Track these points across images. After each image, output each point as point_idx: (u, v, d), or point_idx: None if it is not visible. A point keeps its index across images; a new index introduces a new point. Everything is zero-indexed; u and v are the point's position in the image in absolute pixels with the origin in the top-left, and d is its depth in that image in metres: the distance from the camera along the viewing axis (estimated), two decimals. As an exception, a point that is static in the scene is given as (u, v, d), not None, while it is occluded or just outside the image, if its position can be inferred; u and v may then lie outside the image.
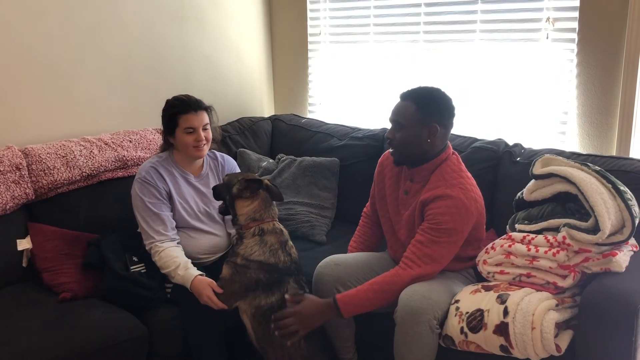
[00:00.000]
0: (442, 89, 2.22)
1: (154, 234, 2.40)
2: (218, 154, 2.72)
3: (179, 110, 2.45)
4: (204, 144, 2.49)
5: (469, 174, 2.23)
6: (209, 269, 2.47)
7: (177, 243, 2.44)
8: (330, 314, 2.10)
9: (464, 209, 2.09)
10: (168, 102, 2.52)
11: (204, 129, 2.48)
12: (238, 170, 2.76)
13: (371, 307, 2.10)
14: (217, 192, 2.42)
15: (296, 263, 2.29)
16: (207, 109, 2.52)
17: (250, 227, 2.26)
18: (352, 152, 3.15)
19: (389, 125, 3.12)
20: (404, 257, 2.13)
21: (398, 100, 2.23)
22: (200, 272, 2.31)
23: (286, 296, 2.18)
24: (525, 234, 2.12)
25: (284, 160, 3.27)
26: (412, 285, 2.05)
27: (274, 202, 2.36)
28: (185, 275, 2.30)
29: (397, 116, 2.19)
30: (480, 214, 2.20)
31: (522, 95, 2.92)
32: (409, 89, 2.22)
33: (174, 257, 2.35)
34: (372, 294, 2.08)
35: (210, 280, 2.28)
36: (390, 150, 2.26)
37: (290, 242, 2.32)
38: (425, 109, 2.15)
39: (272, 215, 2.31)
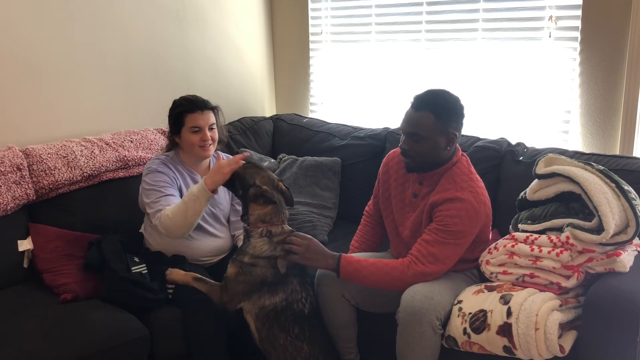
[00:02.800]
0: (449, 90, 2.18)
1: (160, 206, 2.36)
2: (223, 155, 2.71)
3: (185, 109, 2.45)
4: (210, 144, 2.48)
5: (478, 177, 2.21)
6: (211, 270, 2.46)
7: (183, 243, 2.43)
8: (329, 262, 2.14)
9: (473, 212, 2.08)
10: (175, 101, 2.53)
11: (210, 129, 2.47)
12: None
13: (367, 280, 2.11)
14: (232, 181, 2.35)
15: (302, 265, 2.27)
16: (214, 109, 2.52)
17: (259, 227, 2.25)
18: (354, 152, 3.15)
19: (390, 124, 3.16)
20: (410, 253, 2.12)
21: (410, 108, 2.15)
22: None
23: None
24: (528, 234, 2.11)
25: (286, 160, 3.26)
26: (414, 286, 2.05)
27: (285, 206, 2.33)
28: (198, 187, 2.28)
29: (416, 128, 2.11)
30: (488, 217, 2.19)
31: (525, 94, 2.91)
32: (420, 95, 2.14)
33: (177, 202, 2.34)
34: (374, 269, 2.09)
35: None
36: (405, 159, 2.20)
37: None
38: (444, 117, 2.11)
39: (282, 219, 2.28)
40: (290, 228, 2.31)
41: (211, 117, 2.48)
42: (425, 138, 2.10)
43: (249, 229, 2.27)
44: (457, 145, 2.22)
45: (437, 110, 2.10)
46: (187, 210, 2.30)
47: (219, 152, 2.70)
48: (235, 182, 2.31)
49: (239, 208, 2.57)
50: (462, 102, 2.19)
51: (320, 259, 2.16)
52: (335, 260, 2.13)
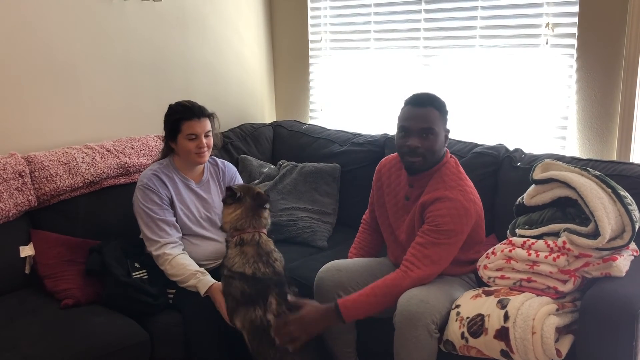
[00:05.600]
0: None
1: (158, 238, 2.41)
2: (219, 160, 2.74)
3: (182, 117, 2.47)
4: (205, 151, 2.50)
5: (467, 177, 2.24)
6: (212, 274, 2.47)
7: (183, 249, 2.45)
8: (332, 319, 2.07)
9: (463, 211, 2.10)
10: (171, 107, 2.54)
11: (206, 136, 2.50)
12: (238, 176, 2.77)
13: (373, 311, 2.09)
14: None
15: (279, 275, 2.25)
16: (210, 116, 2.54)
17: (234, 236, 2.27)
18: (353, 158, 3.16)
19: (389, 131, 3.18)
20: (404, 259, 2.13)
21: (412, 107, 2.18)
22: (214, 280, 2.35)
23: (289, 298, 2.18)
24: (525, 239, 2.12)
25: (286, 166, 3.28)
26: (410, 290, 2.06)
27: (266, 214, 2.34)
28: (203, 281, 2.32)
29: (429, 123, 2.14)
30: (479, 216, 2.21)
31: (523, 100, 2.93)
32: (417, 95, 2.21)
33: (186, 265, 2.37)
34: (373, 299, 2.07)
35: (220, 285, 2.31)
36: (413, 159, 2.17)
37: (276, 255, 2.29)
38: (444, 114, 2.20)
39: (254, 226, 2.28)
40: (260, 238, 2.27)
41: (207, 125, 2.50)
42: (436, 133, 2.16)
43: (229, 239, 2.30)
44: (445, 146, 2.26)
45: (438, 107, 2.18)
46: (180, 280, 2.38)
47: (216, 158, 2.73)
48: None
49: None
50: (455, 106, 2.32)
51: (320, 323, 2.09)
52: (334, 313, 2.05)
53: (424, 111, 2.16)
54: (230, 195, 2.30)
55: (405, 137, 2.18)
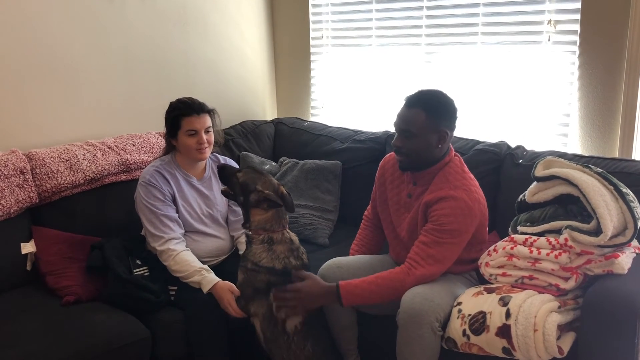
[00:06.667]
0: (444, 91, 2.21)
1: (162, 234, 2.41)
2: (221, 157, 2.74)
3: (181, 113, 2.47)
4: (206, 147, 2.50)
5: (472, 176, 2.23)
6: (214, 272, 2.48)
7: (186, 246, 2.46)
8: (330, 299, 2.10)
9: (467, 210, 2.10)
10: (172, 104, 2.54)
11: (206, 132, 2.49)
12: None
13: (372, 301, 2.10)
14: (224, 175, 2.36)
15: (306, 266, 2.29)
16: (210, 112, 2.54)
17: (260, 234, 2.26)
18: (355, 155, 3.16)
19: (391, 128, 3.16)
20: (408, 257, 2.13)
21: (403, 106, 2.19)
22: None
23: (292, 272, 2.19)
24: (527, 236, 2.12)
25: (287, 164, 3.28)
26: (414, 288, 2.05)
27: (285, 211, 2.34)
28: (207, 278, 2.32)
29: (407, 125, 2.14)
30: (483, 216, 2.20)
31: (524, 97, 2.92)
32: (413, 94, 2.19)
33: (190, 262, 2.38)
34: (375, 287, 2.07)
35: (229, 284, 2.30)
36: (398, 157, 2.22)
37: (302, 249, 2.33)
38: (435, 115, 2.13)
39: (282, 225, 2.29)
40: (291, 236, 2.31)
41: (207, 120, 2.50)
42: (416, 135, 2.13)
43: (250, 235, 2.29)
44: (450, 145, 2.24)
45: (428, 108, 2.13)
46: (183, 276, 2.38)
47: (217, 155, 2.73)
48: (235, 190, 2.32)
49: (237, 208, 2.59)
50: (457, 103, 2.20)
51: (317, 299, 2.13)
52: (334, 294, 2.08)
53: (408, 112, 2.15)
54: (265, 200, 2.25)
55: (395, 135, 2.22)
